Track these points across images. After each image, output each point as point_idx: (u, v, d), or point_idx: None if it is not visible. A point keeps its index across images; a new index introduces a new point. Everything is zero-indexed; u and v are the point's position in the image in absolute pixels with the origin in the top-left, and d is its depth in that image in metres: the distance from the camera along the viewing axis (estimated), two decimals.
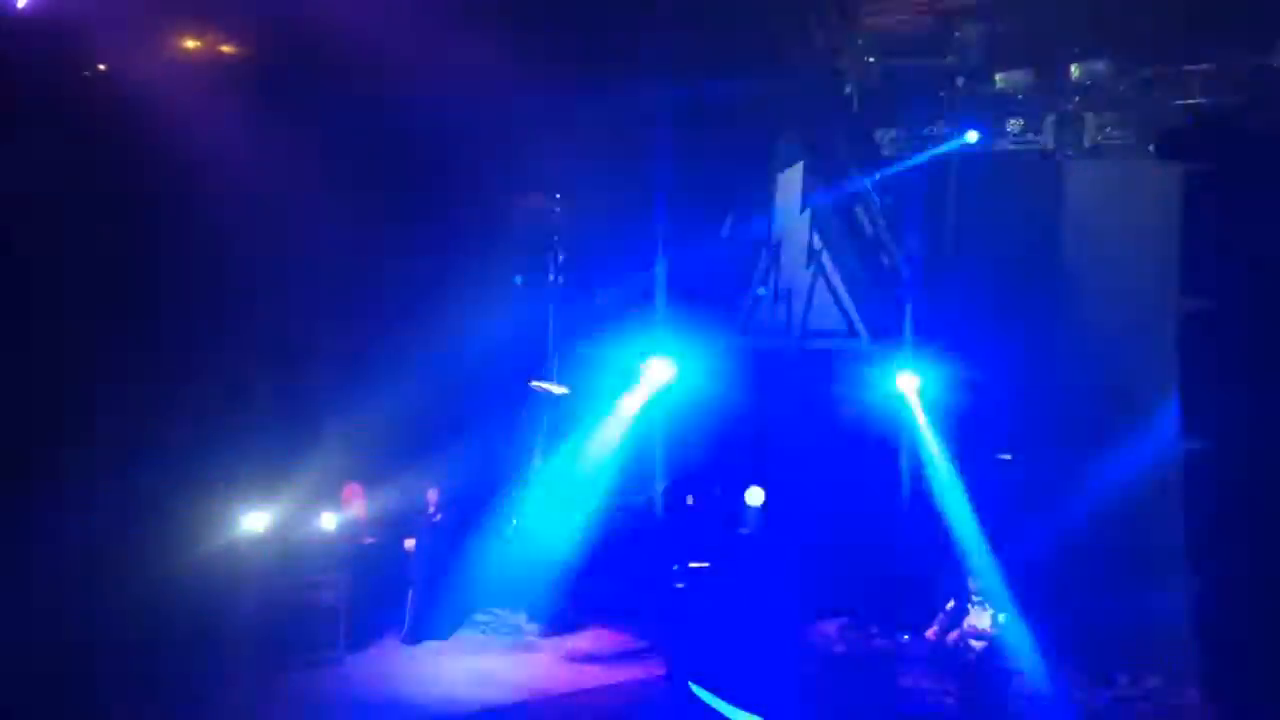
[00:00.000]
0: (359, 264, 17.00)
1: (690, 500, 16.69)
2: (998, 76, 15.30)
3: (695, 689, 13.34)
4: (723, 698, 12.72)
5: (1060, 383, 14.56)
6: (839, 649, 13.45)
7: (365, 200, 16.68)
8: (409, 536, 15.89)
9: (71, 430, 13.92)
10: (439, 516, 16.04)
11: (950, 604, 13.50)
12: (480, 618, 16.51)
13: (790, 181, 17.00)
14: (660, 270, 16.54)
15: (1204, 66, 13.71)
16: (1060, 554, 13.77)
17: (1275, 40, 13.11)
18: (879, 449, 15.99)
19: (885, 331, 16.17)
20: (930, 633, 13.47)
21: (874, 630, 13.60)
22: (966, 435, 15.46)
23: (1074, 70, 14.75)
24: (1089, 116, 14.73)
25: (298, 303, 16.76)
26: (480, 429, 17.18)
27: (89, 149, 13.98)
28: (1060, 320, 14.62)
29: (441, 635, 15.87)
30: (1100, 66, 14.59)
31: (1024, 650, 12.95)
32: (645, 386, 16.40)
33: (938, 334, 15.93)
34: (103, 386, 14.28)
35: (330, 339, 16.88)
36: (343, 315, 16.92)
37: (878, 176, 16.31)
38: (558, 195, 17.83)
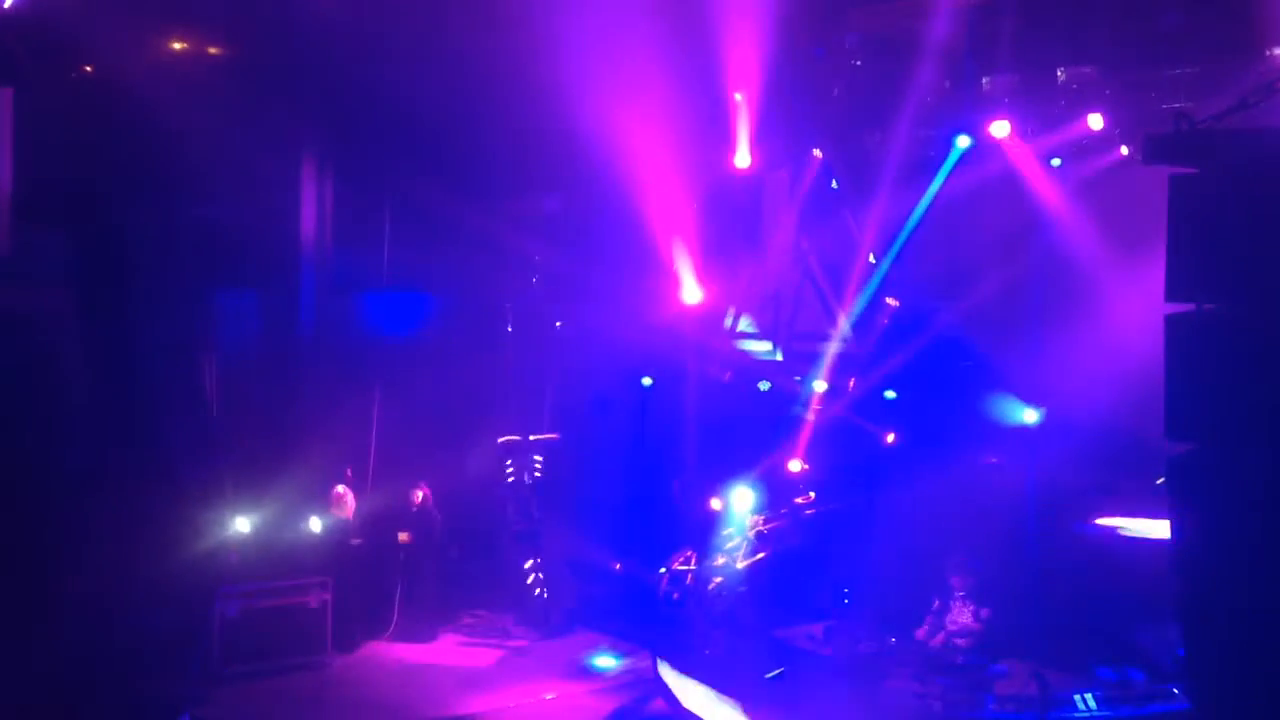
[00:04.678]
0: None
1: None
2: (984, 80, 15.31)
3: (663, 668, 13.32)
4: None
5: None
6: (825, 651, 13.43)
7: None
8: (401, 530, 15.87)
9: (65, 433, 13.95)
10: (427, 517, 16.02)
11: (935, 604, 13.54)
12: (467, 620, 16.51)
13: (776, 183, 17.01)
14: None
15: (1190, 70, 13.74)
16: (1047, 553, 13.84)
17: (1261, 43, 13.16)
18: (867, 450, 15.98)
19: (870, 334, 16.15)
20: (920, 632, 13.51)
21: (860, 633, 13.59)
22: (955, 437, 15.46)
23: (1060, 74, 14.77)
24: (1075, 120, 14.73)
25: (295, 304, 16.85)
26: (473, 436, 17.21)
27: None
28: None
29: (428, 638, 15.86)
30: (1087, 70, 14.61)
31: (1008, 648, 13.02)
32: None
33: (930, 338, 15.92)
34: (98, 385, 14.32)
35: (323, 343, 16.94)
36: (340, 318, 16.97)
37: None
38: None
